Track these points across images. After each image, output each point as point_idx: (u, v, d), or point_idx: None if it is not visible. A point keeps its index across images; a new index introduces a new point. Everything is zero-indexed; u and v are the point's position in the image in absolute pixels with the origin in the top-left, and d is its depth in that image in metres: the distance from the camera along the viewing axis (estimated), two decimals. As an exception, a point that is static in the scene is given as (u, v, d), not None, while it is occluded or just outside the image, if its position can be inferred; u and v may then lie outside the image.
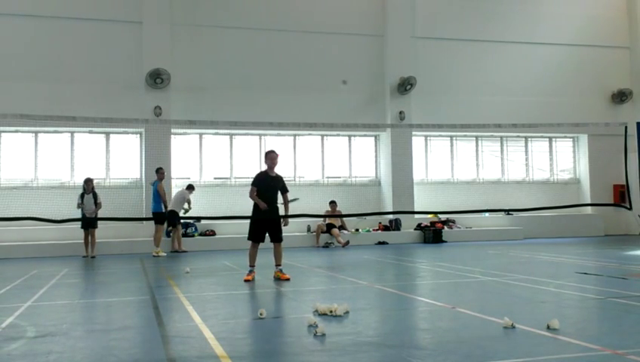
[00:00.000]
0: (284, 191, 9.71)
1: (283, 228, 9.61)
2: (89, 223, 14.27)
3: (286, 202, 9.79)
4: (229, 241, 16.56)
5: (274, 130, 17.92)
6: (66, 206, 14.34)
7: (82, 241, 14.62)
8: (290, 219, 10.04)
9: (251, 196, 9.45)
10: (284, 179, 9.90)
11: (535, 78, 19.99)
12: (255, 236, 9.44)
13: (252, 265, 9.44)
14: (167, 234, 16.02)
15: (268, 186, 9.48)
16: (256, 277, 9.39)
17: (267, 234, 9.48)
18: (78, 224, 14.27)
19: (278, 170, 9.78)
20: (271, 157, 9.59)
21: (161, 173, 15.20)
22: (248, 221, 9.68)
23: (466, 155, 20.19)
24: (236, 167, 18.15)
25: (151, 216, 15.15)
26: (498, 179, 20.36)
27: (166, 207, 15.13)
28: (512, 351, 4.71)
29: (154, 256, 14.53)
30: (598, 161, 20.23)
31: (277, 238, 9.46)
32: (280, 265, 9.49)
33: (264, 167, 9.78)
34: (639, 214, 16.76)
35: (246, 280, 9.18)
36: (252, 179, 9.69)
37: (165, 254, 14.83)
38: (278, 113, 16.60)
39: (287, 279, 9.22)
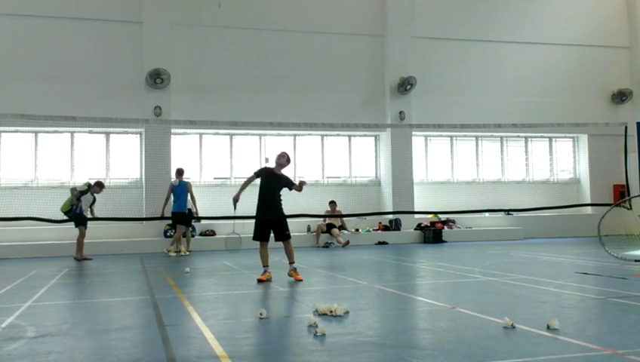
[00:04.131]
0: (291, 186, 9.45)
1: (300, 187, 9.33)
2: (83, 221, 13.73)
3: (299, 186, 9.47)
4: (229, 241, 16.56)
5: (274, 130, 17.91)
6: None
7: (76, 242, 13.91)
8: (289, 219, 9.61)
9: (244, 182, 9.54)
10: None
11: (535, 78, 19.98)
12: (258, 235, 9.31)
13: (265, 265, 9.27)
14: (183, 235, 16.06)
15: (269, 180, 9.35)
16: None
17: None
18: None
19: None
20: (284, 156, 9.49)
21: (183, 173, 15.30)
22: (248, 221, 9.64)
23: (466, 155, 20.19)
24: (236, 167, 18.13)
25: (150, 216, 15.16)
26: (498, 179, 20.35)
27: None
28: (512, 351, 4.71)
29: (182, 255, 14.57)
30: (598, 161, 20.21)
31: (282, 237, 9.30)
32: (293, 263, 9.33)
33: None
34: (639, 214, 16.74)
35: (259, 281, 9.04)
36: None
37: (189, 253, 14.92)
38: (278, 113, 16.58)
39: (300, 280, 9.10)
